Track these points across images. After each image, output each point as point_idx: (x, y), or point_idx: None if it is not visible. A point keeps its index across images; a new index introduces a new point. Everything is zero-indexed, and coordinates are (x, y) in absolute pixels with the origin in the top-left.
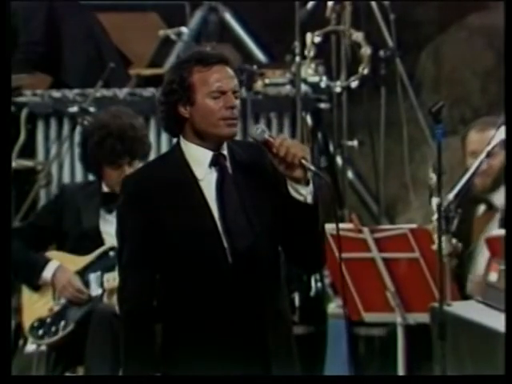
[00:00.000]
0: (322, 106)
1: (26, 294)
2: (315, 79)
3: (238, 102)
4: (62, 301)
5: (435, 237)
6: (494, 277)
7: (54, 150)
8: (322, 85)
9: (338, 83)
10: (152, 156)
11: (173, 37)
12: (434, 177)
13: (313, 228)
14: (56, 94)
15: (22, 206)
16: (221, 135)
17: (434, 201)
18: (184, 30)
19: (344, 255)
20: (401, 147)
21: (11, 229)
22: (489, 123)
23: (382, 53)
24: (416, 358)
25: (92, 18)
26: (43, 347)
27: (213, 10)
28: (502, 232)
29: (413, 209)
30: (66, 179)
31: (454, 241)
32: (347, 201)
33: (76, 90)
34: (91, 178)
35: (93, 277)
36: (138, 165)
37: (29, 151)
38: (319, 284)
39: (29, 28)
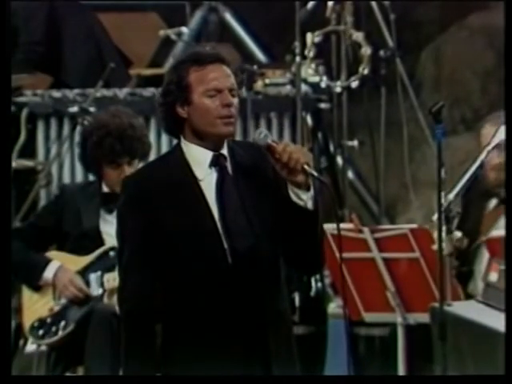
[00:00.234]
0: (323, 106)
1: (27, 294)
2: (315, 79)
3: (235, 101)
4: (63, 301)
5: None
6: (494, 277)
7: (54, 150)
8: (323, 85)
9: (339, 83)
10: (152, 156)
11: (173, 37)
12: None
13: (312, 232)
14: (56, 94)
15: (22, 206)
16: (218, 134)
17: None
18: (184, 30)
19: (344, 255)
20: (401, 147)
21: (12, 229)
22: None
23: (382, 53)
24: (416, 358)
25: (92, 18)
26: (43, 347)
27: (213, 10)
28: (502, 232)
29: (413, 209)
30: (67, 179)
31: (459, 234)
32: (347, 201)
33: (76, 90)
34: (91, 178)
35: (93, 277)
36: (138, 164)
37: (29, 151)
38: (319, 284)
39: (29, 28)
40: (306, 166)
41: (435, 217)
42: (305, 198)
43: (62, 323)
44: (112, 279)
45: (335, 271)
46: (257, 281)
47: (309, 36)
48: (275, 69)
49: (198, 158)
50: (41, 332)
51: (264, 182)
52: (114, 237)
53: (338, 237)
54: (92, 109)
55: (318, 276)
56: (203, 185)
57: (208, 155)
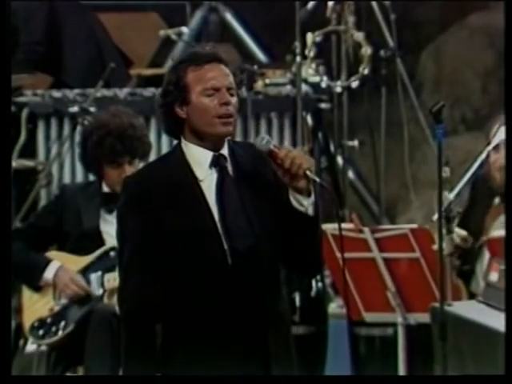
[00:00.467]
0: (323, 106)
1: (27, 294)
2: (316, 79)
3: (234, 100)
4: (63, 301)
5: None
6: (494, 277)
7: (54, 150)
8: (323, 85)
9: (339, 83)
10: (152, 156)
11: (173, 37)
12: (447, 170)
13: (311, 238)
14: (56, 93)
15: (22, 206)
16: (216, 134)
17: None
18: (184, 30)
19: (345, 255)
20: (401, 147)
21: (12, 229)
22: None
23: (382, 53)
24: (417, 357)
25: (93, 18)
26: (43, 347)
27: (213, 10)
28: (502, 232)
29: (413, 209)
30: (67, 179)
31: (464, 233)
32: (348, 201)
33: (76, 90)
34: (92, 178)
35: (93, 277)
36: (139, 164)
37: (29, 151)
38: (320, 284)
39: (29, 28)
40: (308, 172)
41: (435, 217)
42: (306, 204)
43: (62, 323)
44: (112, 279)
45: (336, 271)
46: (256, 281)
47: (309, 36)
48: (275, 69)
49: (198, 158)
50: (41, 332)
51: (264, 183)
52: (114, 237)
53: (339, 238)
54: (92, 109)
55: (318, 276)
56: (203, 185)
57: (208, 155)
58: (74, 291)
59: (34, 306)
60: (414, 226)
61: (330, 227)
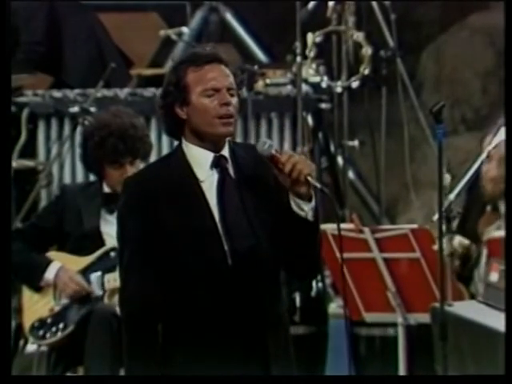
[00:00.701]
0: (323, 106)
1: (27, 295)
2: (316, 79)
3: (234, 100)
4: (63, 301)
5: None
6: (494, 277)
7: (54, 150)
8: (323, 85)
9: (339, 83)
10: (153, 156)
11: (173, 37)
12: (448, 177)
13: (310, 242)
14: (57, 94)
15: (22, 207)
16: (217, 134)
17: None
18: (185, 30)
19: (345, 255)
20: (402, 147)
21: (13, 230)
22: None
23: (382, 53)
24: (417, 358)
25: (93, 18)
26: (44, 347)
27: (214, 10)
28: (502, 233)
29: (414, 209)
30: (67, 179)
31: (466, 242)
32: (348, 201)
33: (77, 90)
34: (92, 178)
35: (94, 277)
36: (140, 164)
37: (30, 151)
38: (320, 284)
39: (30, 28)
40: (309, 178)
41: (436, 217)
42: (306, 209)
43: (63, 323)
44: (112, 279)
45: (336, 271)
46: (256, 282)
47: (309, 36)
48: (276, 69)
49: (199, 159)
50: (41, 332)
51: (265, 185)
52: (114, 237)
53: (339, 241)
54: (93, 109)
55: (318, 276)
56: (204, 186)
57: (209, 156)
58: (73, 290)
59: (35, 307)
60: (415, 226)
61: (330, 227)
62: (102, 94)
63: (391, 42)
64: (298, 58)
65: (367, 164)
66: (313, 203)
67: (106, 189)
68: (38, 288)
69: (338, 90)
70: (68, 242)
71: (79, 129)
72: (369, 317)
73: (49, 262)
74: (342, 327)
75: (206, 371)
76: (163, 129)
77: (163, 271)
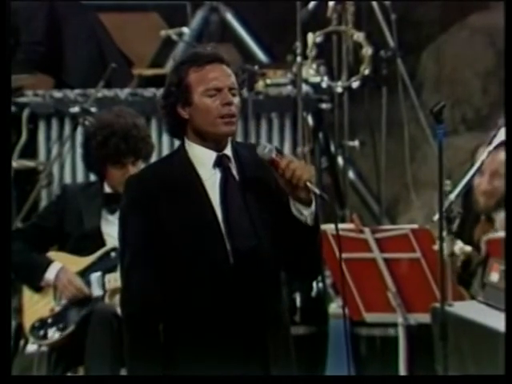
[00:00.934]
0: (324, 106)
1: (27, 295)
2: (316, 79)
3: (236, 100)
4: (63, 301)
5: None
6: (494, 277)
7: (55, 151)
8: (324, 85)
9: (340, 83)
10: (153, 156)
11: (174, 37)
12: (448, 183)
13: (310, 246)
14: (57, 94)
15: (23, 207)
16: (219, 133)
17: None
18: (185, 30)
19: (345, 255)
20: (402, 147)
21: (13, 230)
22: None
23: (383, 53)
24: (417, 358)
25: (93, 18)
26: (44, 347)
27: (214, 10)
28: (501, 234)
29: (414, 209)
30: (68, 179)
31: (469, 249)
32: (348, 201)
33: (77, 91)
34: (93, 178)
35: (94, 277)
36: (142, 165)
37: (30, 151)
38: (320, 284)
39: (30, 28)
40: (308, 184)
41: (436, 217)
42: (306, 214)
43: (63, 323)
44: (113, 280)
45: (336, 271)
46: (257, 282)
47: (310, 36)
48: (276, 69)
49: (202, 158)
50: (41, 332)
51: (267, 185)
52: (115, 238)
53: (338, 242)
54: (93, 109)
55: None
56: (207, 185)
57: (212, 155)
58: (72, 293)
59: (35, 307)
60: (415, 226)
61: (330, 227)
62: (103, 94)
63: (391, 42)
64: (299, 58)
65: (367, 164)
66: (313, 208)
67: (107, 189)
68: (38, 288)
69: (339, 90)
70: (68, 242)
71: (80, 129)
72: (369, 317)
73: (49, 262)
74: (342, 327)
75: (207, 371)
76: (165, 129)
77: (165, 270)
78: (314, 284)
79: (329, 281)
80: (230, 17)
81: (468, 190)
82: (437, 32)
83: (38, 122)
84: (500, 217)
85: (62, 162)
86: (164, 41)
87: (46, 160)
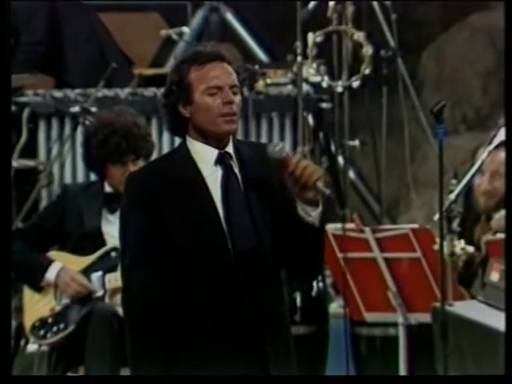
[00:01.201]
0: (324, 105)
1: (28, 294)
2: (317, 79)
3: (237, 98)
4: (64, 301)
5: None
6: (495, 277)
7: (55, 150)
8: (324, 85)
9: (340, 83)
10: (154, 155)
11: (174, 37)
12: (454, 182)
13: (315, 247)
14: (58, 93)
15: (23, 207)
16: (220, 132)
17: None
18: (186, 29)
19: (345, 255)
20: (402, 147)
21: (14, 230)
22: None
23: (383, 53)
24: (417, 357)
25: (94, 18)
26: (44, 347)
27: (214, 10)
28: (501, 236)
29: (414, 208)
30: (68, 179)
31: (471, 249)
32: (349, 201)
33: (77, 90)
34: (93, 178)
35: (95, 277)
36: (142, 164)
37: (30, 151)
38: (321, 284)
39: (30, 28)
40: (317, 183)
41: (436, 217)
42: (313, 215)
43: (63, 323)
44: (113, 279)
45: (336, 271)
46: (258, 280)
47: (310, 36)
48: (276, 69)
49: (204, 155)
50: (42, 332)
51: (270, 183)
52: (115, 237)
53: (343, 242)
54: (93, 109)
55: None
56: (209, 182)
57: (213, 153)
58: (75, 290)
59: (35, 306)
60: (415, 225)
61: (330, 227)
62: (103, 94)
63: (392, 42)
64: (299, 58)
65: (368, 164)
66: (320, 209)
67: (108, 188)
68: (38, 288)
69: (339, 89)
70: (69, 241)
71: (80, 129)
72: (369, 316)
73: (50, 262)
74: (342, 327)
75: (207, 370)
76: (166, 127)
77: (165, 268)
78: (314, 284)
79: (329, 280)
80: (230, 16)
81: (469, 189)
82: (437, 32)
83: (38, 122)
84: (496, 216)
85: (63, 161)
86: (164, 40)
87: (46, 160)
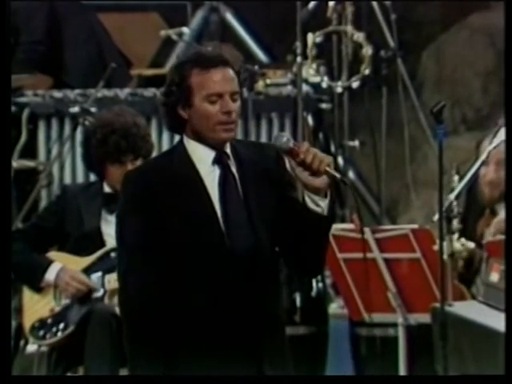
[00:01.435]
0: (324, 106)
1: (27, 295)
2: (316, 79)
3: (237, 105)
4: (63, 301)
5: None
6: (495, 277)
7: (55, 151)
8: (324, 85)
9: (340, 83)
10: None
11: (174, 37)
12: (456, 179)
13: (323, 237)
14: (57, 94)
15: (23, 207)
16: (217, 139)
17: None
18: (185, 30)
19: (345, 255)
20: (402, 147)
21: (13, 230)
22: None
23: (383, 53)
24: (417, 358)
25: (93, 19)
26: (44, 348)
27: (214, 10)
28: (501, 236)
29: (414, 209)
30: (68, 179)
31: (472, 245)
32: (348, 201)
33: (77, 91)
34: (93, 178)
35: (94, 278)
36: None
37: (30, 151)
38: (320, 284)
39: (30, 27)
40: (328, 168)
41: (436, 217)
42: (322, 205)
43: (63, 324)
44: (113, 280)
45: (336, 272)
46: (256, 278)
47: (310, 36)
48: (276, 69)
49: (201, 155)
50: (41, 332)
51: (268, 181)
52: (115, 238)
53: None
54: (93, 109)
55: (319, 276)
56: (206, 181)
57: (211, 153)
58: (76, 288)
59: (35, 307)
60: (415, 226)
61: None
62: (103, 94)
63: (391, 42)
64: (299, 58)
65: (368, 164)
66: (328, 198)
67: (107, 189)
68: (38, 288)
69: (339, 90)
70: (68, 242)
71: (80, 129)
72: (368, 317)
73: (49, 262)
74: (342, 327)
75: (205, 369)
76: (165, 125)
77: (163, 268)
78: (314, 284)
79: (329, 281)
80: (229, 17)
81: (471, 185)
82: (437, 32)
83: (37, 122)
84: (495, 219)
85: (62, 162)
86: (164, 41)
87: (45, 160)
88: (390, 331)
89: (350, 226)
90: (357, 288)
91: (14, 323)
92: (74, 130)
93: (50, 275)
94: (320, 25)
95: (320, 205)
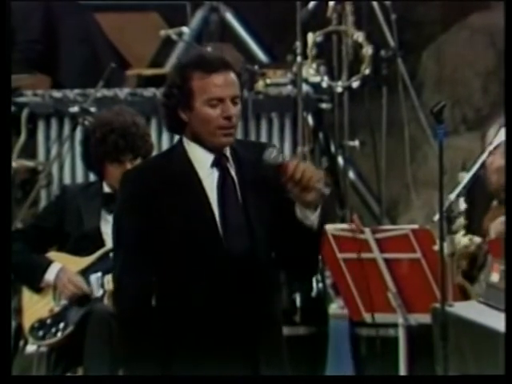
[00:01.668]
0: (324, 106)
1: (27, 295)
2: (316, 79)
3: (238, 109)
4: (63, 302)
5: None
6: (495, 277)
7: (54, 151)
8: (324, 85)
9: (340, 83)
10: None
11: (174, 37)
12: (464, 176)
13: (313, 248)
14: (57, 94)
15: (23, 207)
16: (216, 143)
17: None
18: (185, 30)
19: (345, 255)
20: (402, 147)
21: (13, 230)
22: None
23: (383, 53)
24: (417, 358)
25: (89, 19)
26: (43, 348)
27: (214, 10)
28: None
29: (414, 209)
30: (67, 179)
31: (478, 240)
32: (348, 201)
33: (77, 90)
34: (92, 178)
35: (93, 278)
36: None
37: (29, 151)
38: (320, 285)
39: (26, 27)
40: (317, 184)
41: (436, 217)
42: (312, 218)
43: (62, 324)
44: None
45: (336, 272)
46: (253, 280)
47: (310, 36)
48: (276, 69)
49: (200, 157)
50: (41, 333)
51: (267, 184)
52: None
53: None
54: (92, 109)
55: (319, 277)
56: (205, 183)
57: (210, 156)
58: (71, 292)
59: (34, 307)
60: (415, 226)
61: (330, 227)
62: (102, 94)
63: (392, 42)
64: (299, 58)
65: (368, 164)
66: (318, 212)
67: (106, 189)
68: (38, 289)
69: (339, 89)
70: (68, 242)
71: (79, 129)
72: (369, 317)
73: (49, 262)
74: (342, 328)
75: (202, 370)
76: (164, 125)
77: (160, 269)
78: (314, 284)
79: (329, 281)
80: (229, 17)
81: (476, 179)
82: (437, 32)
83: (37, 122)
84: (494, 222)
85: (62, 162)
86: (164, 41)
87: (45, 160)
88: (390, 331)
89: (351, 226)
90: (357, 288)
91: (13, 323)
92: (73, 129)
93: (50, 275)
94: (320, 25)
95: (309, 218)
